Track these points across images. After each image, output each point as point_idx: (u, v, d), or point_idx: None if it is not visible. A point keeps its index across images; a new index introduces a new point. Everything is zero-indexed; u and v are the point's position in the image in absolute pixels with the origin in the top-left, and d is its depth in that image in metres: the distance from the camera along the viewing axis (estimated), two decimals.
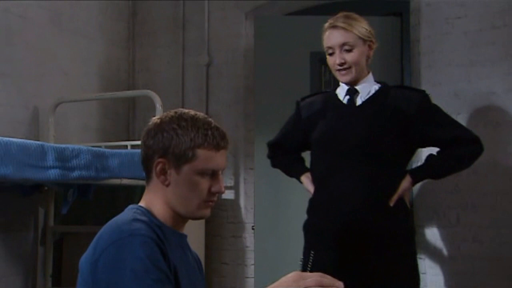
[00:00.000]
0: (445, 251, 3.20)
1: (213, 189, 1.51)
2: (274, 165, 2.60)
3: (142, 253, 1.36)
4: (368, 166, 2.21)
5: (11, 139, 2.32)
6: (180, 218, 1.54)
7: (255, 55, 3.63)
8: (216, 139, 1.50)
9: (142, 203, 1.55)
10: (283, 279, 1.35)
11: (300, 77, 3.49)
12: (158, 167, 1.50)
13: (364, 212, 2.19)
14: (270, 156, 2.60)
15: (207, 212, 1.55)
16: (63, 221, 3.52)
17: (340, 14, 2.30)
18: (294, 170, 2.51)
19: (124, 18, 4.17)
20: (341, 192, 2.22)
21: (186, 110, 1.55)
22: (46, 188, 3.25)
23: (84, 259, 1.44)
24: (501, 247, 3.07)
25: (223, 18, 3.93)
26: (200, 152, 1.48)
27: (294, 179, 2.53)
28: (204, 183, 1.50)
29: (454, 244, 3.19)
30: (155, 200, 1.52)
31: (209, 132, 1.49)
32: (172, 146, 1.48)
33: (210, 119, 1.54)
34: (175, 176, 1.49)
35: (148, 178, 1.55)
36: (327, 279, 1.33)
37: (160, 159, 1.49)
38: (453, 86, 3.22)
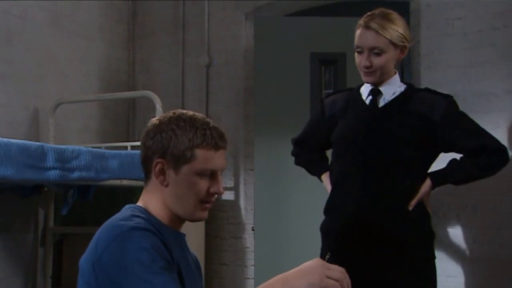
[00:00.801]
0: (445, 253, 3.20)
1: (211, 190, 1.51)
2: (297, 163, 2.56)
3: (146, 243, 1.36)
4: (384, 170, 2.16)
5: (11, 140, 2.32)
6: (178, 219, 1.54)
7: (255, 56, 3.63)
8: (215, 139, 1.49)
9: (139, 203, 1.55)
10: (304, 265, 1.34)
11: (300, 78, 3.49)
12: (157, 168, 1.50)
13: (379, 216, 2.15)
14: (294, 154, 2.56)
15: (204, 214, 1.54)
16: (63, 222, 3.52)
17: (378, 12, 2.18)
18: (315, 168, 2.47)
19: (124, 19, 4.17)
20: (356, 195, 2.18)
21: (185, 111, 1.54)
22: (46, 189, 3.25)
23: (84, 259, 1.44)
24: (501, 248, 3.07)
25: (223, 19, 3.93)
26: (199, 152, 1.48)
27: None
28: (203, 183, 1.49)
29: (454, 245, 3.19)
30: (153, 200, 1.52)
31: (208, 132, 1.49)
32: (171, 146, 1.48)
33: (208, 119, 1.53)
34: (173, 176, 1.49)
35: (146, 178, 1.55)
36: (347, 279, 1.33)
37: (159, 160, 1.49)
38: (452, 87, 3.21)
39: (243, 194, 3.82)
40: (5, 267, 3.23)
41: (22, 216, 3.37)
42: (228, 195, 3.84)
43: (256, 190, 3.61)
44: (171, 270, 1.38)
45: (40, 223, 3.45)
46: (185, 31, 4.05)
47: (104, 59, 3.99)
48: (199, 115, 1.53)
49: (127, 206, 1.54)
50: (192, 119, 1.50)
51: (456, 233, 3.18)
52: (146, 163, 1.53)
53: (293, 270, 1.35)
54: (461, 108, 2.22)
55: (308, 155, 2.51)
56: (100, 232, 1.44)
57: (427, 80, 3.28)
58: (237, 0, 3.87)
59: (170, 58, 4.08)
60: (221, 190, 1.53)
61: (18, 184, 2.90)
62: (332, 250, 2.18)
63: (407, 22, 3.40)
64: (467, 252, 3.15)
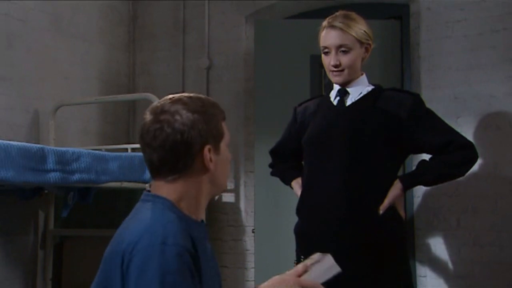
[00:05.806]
0: (445, 255, 3.20)
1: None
2: (272, 173, 2.58)
3: (173, 265, 1.33)
4: (352, 169, 2.15)
5: (11, 142, 2.33)
6: (204, 206, 1.53)
7: (255, 58, 3.63)
8: (221, 109, 1.56)
9: (167, 196, 1.47)
10: (280, 280, 1.40)
11: (300, 80, 3.49)
12: (208, 154, 1.48)
13: (348, 218, 2.13)
14: (269, 165, 2.57)
15: None
16: (63, 225, 3.52)
17: (339, 13, 2.23)
18: (287, 177, 2.47)
19: (124, 22, 4.17)
20: (325, 196, 2.17)
21: (186, 94, 1.58)
22: (46, 191, 3.25)
23: (109, 251, 1.41)
24: (501, 251, 3.07)
25: (223, 22, 3.93)
26: (223, 125, 1.55)
27: None
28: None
29: (454, 248, 3.19)
30: (188, 193, 1.48)
31: (216, 105, 1.55)
32: (212, 128, 1.50)
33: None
34: (216, 156, 1.51)
35: (180, 172, 1.47)
36: None
37: (208, 146, 1.48)
38: (453, 89, 3.22)
39: (243, 197, 3.82)
40: (5, 269, 3.23)
41: (22, 219, 3.37)
42: (228, 197, 3.84)
43: (256, 193, 3.61)
44: None
45: (40, 226, 3.45)
46: (185, 34, 4.06)
47: (104, 62, 3.99)
48: (195, 94, 1.57)
49: (151, 197, 1.48)
50: (201, 99, 1.54)
51: (456, 235, 3.18)
52: (184, 156, 1.46)
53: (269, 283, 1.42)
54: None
55: (282, 164, 2.52)
56: (132, 227, 1.41)
57: (427, 82, 3.28)
58: (237, 1, 3.88)
59: (170, 60, 4.09)
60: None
61: (18, 187, 2.90)
62: (308, 254, 2.17)
63: (408, 25, 3.43)
64: (467, 254, 3.14)
